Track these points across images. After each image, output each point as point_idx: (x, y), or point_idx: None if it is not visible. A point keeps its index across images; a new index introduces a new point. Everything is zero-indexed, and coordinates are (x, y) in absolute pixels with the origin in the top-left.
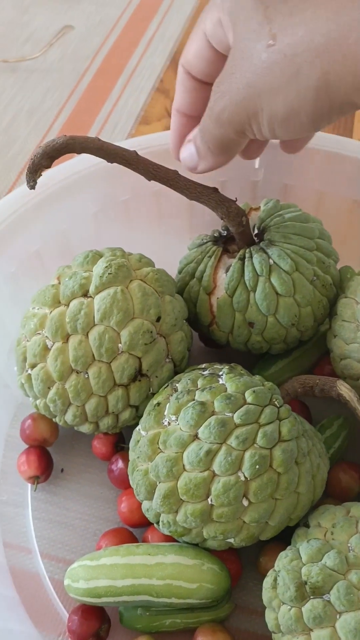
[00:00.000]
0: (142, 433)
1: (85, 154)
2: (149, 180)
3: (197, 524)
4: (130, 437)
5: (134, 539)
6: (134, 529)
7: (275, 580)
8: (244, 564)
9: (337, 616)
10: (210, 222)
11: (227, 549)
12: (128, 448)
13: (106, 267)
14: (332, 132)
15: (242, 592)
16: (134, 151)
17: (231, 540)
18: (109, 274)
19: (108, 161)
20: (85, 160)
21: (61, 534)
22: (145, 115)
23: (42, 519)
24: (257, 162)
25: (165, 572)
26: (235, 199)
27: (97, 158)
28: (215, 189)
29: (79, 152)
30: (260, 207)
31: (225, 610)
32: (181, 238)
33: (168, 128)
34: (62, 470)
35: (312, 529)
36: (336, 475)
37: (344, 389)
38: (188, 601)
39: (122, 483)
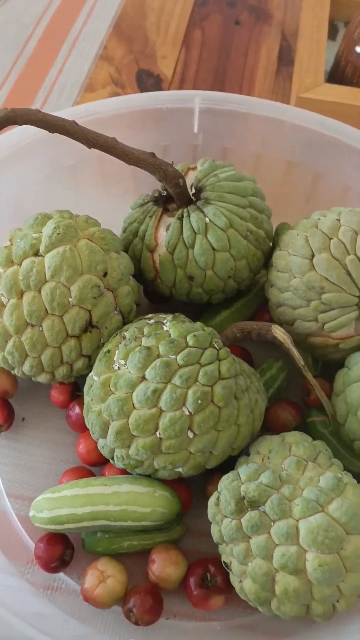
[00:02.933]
0: (94, 378)
1: None
2: (89, 147)
3: (148, 456)
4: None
5: (92, 475)
6: (93, 468)
7: (217, 498)
8: (193, 492)
9: (272, 524)
10: (153, 183)
11: (177, 478)
12: (83, 395)
13: (55, 227)
14: (272, 98)
15: (193, 518)
16: (73, 121)
17: (180, 469)
18: (57, 234)
19: (49, 132)
20: (32, 128)
21: (25, 476)
22: (90, 83)
23: (6, 463)
24: (195, 126)
25: (121, 499)
26: (172, 162)
27: None
28: (152, 154)
29: (20, 124)
30: (197, 167)
31: (177, 532)
32: (127, 200)
33: (112, 95)
34: (23, 419)
35: (252, 456)
36: (275, 412)
37: (279, 332)
38: (143, 523)
39: (80, 427)
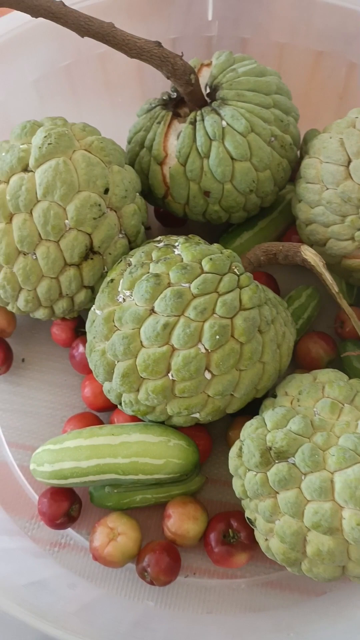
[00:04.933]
0: (97, 312)
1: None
2: (82, 36)
3: (159, 401)
4: None
5: (99, 423)
6: (100, 413)
7: (240, 449)
8: (214, 438)
9: (302, 477)
10: (163, 88)
11: (194, 425)
12: None
13: (45, 137)
14: None
15: (213, 466)
16: (60, 1)
17: (197, 415)
18: (48, 144)
19: (32, 15)
20: (17, 19)
21: (27, 423)
22: None
23: (6, 409)
24: (209, 13)
25: (130, 450)
26: (181, 54)
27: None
28: (158, 43)
29: None
30: (212, 62)
31: (196, 484)
32: (133, 109)
33: None
34: (23, 360)
35: (279, 398)
36: (305, 346)
37: (309, 254)
38: (156, 477)
39: (85, 368)
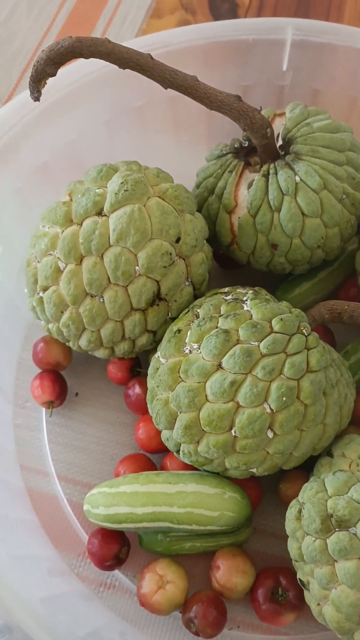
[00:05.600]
0: (161, 361)
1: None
2: (165, 88)
3: (219, 455)
4: (146, 360)
5: (152, 465)
6: (152, 455)
7: (299, 512)
8: (264, 489)
9: None
10: (230, 130)
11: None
12: (144, 373)
13: (122, 183)
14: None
15: (262, 516)
16: (149, 55)
17: (254, 470)
18: (125, 190)
19: (120, 67)
20: (93, 63)
21: (78, 458)
22: (157, 8)
23: (57, 442)
24: (284, 64)
25: (186, 500)
26: (260, 108)
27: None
28: (238, 97)
29: (87, 57)
30: (285, 113)
31: (245, 535)
32: (199, 148)
33: (182, 22)
34: (76, 394)
35: (336, 459)
36: None
37: None
38: (209, 528)
39: (140, 409)
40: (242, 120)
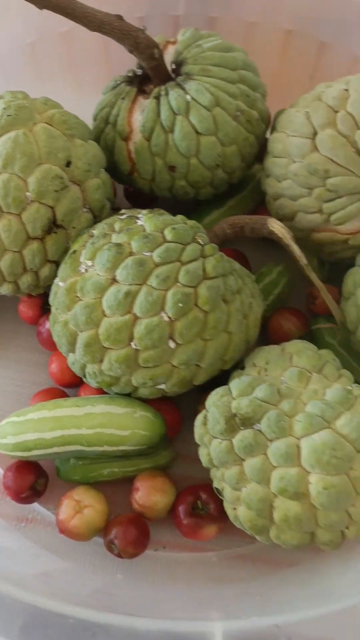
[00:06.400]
0: (59, 284)
1: None
2: (40, 8)
3: (123, 371)
4: None
5: (66, 396)
6: (67, 389)
7: (205, 417)
8: (184, 414)
9: (268, 443)
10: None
11: (163, 398)
12: None
13: (5, 108)
14: None
15: (184, 441)
16: None
17: (162, 386)
18: (8, 115)
19: None
20: None
21: None
22: None
23: None
24: None
25: (95, 421)
26: (144, 28)
27: None
28: (119, 16)
29: None
30: (177, 39)
31: (165, 458)
32: (99, 88)
33: None
34: None
35: (247, 369)
36: (277, 322)
37: (276, 226)
38: (121, 448)
39: (52, 344)
40: (126, 40)
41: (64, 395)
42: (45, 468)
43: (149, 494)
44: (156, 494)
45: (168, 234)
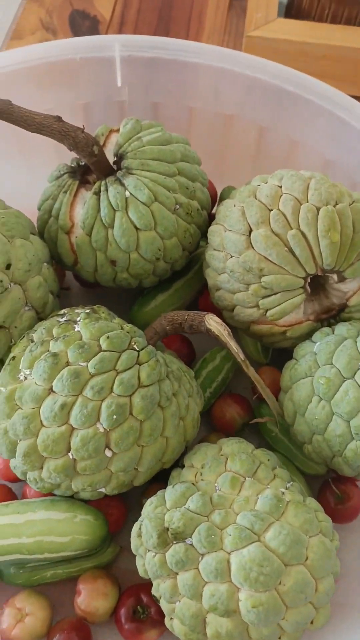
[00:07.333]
0: (0, 389)
1: None
2: None
3: (62, 479)
4: None
5: (12, 494)
6: (13, 484)
7: (140, 528)
8: (129, 505)
9: (200, 558)
10: None
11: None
12: None
13: None
14: (224, 38)
15: (128, 534)
16: None
17: (102, 490)
18: None
19: None
20: None
21: None
22: (17, 29)
23: None
24: (118, 79)
25: (35, 529)
26: (82, 127)
27: None
28: (58, 118)
29: None
30: (119, 128)
31: (108, 555)
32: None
33: (42, 41)
34: None
35: (186, 469)
36: (220, 409)
37: (213, 324)
38: (62, 554)
39: None
40: (65, 140)
41: (9, 491)
42: None
43: (91, 599)
44: (98, 598)
45: (103, 343)
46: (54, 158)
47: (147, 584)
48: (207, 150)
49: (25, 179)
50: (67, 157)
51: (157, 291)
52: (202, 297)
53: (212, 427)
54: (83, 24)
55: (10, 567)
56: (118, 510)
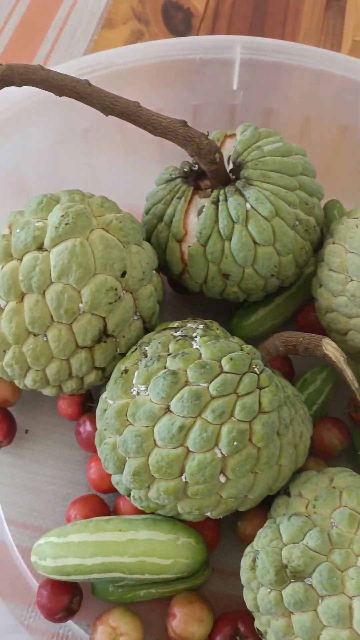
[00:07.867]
0: (109, 402)
1: None
2: (106, 115)
3: (170, 501)
4: (98, 394)
5: (104, 508)
6: (105, 495)
7: (254, 561)
8: (222, 526)
9: (319, 600)
10: (182, 152)
11: None
12: (96, 408)
13: (63, 215)
14: (320, 38)
15: (220, 555)
16: (86, 81)
17: (208, 513)
18: (65, 224)
19: (57, 95)
20: None
21: (28, 500)
22: (109, 18)
23: (6, 483)
24: (235, 83)
25: (138, 549)
26: (207, 133)
27: None
28: (183, 122)
29: (19, 85)
30: (236, 134)
31: (202, 578)
32: (151, 168)
33: (134, 32)
34: (26, 431)
35: (294, 498)
36: (319, 434)
37: (330, 349)
38: (162, 576)
39: (91, 446)
40: (188, 146)
41: (102, 504)
42: (80, 583)
43: (187, 624)
44: (194, 623)
45: (225, 364)
46: (156, 157)
47: (243, 612)
48: (315, 162)
49: (126, 176)
50: (170, 157)
51: (258, 305)
52: (302, 314)
53: (310, 451)
54: (176, 15)
55: (109, 585)
56: (213, 531)
